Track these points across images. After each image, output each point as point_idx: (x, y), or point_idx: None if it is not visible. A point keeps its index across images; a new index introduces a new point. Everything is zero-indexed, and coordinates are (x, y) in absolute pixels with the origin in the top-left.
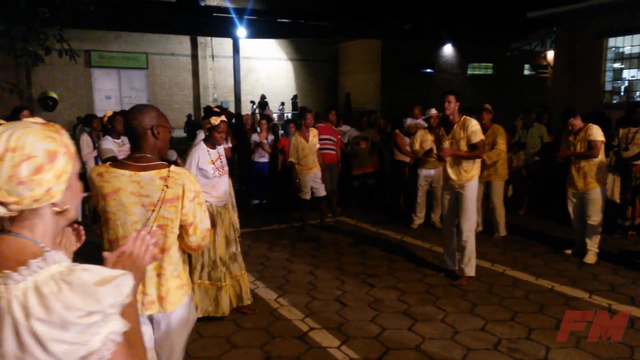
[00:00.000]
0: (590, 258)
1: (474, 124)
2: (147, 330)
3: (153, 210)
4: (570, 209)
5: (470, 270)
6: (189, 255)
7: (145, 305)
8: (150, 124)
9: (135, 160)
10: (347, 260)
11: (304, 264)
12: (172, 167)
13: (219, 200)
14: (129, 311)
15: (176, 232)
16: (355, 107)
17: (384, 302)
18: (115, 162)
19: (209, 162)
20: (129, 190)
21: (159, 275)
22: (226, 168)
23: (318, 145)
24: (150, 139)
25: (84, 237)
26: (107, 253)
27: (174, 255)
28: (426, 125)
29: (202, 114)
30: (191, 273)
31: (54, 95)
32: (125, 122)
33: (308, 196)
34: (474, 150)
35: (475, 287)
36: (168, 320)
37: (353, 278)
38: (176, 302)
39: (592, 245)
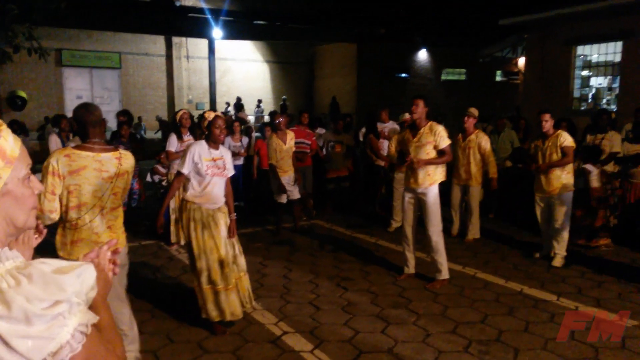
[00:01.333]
0: (558, 261)
1: (441, 129)
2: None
3: (111, 182)
4: (538, 213)
5: (445, 273)
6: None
7: None
8: (102, 117)
9: (93, 144)
10: (321, 263)
11: (277, 267)
12: (121, 150)
13: (211, 202)
14: (101, 306)
15: (122, 196)
16: (324, 112)
17: (357, 306)
18: (77, 146)
19: (205, 158)
20: (92, 167)
21: (109, 227)
22: (227, 172)
23: (294, 149)
24: (103, 128)
25: (45, 231)
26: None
27: (120, 212)
28: (399, 129)
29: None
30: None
31: (22, 94)
32: (87, 115)
33: (284, 199)
34: (443, 155)
35: (447, 290)
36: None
37: (327, 281)
38: (122, 244)
39: (560, 248)
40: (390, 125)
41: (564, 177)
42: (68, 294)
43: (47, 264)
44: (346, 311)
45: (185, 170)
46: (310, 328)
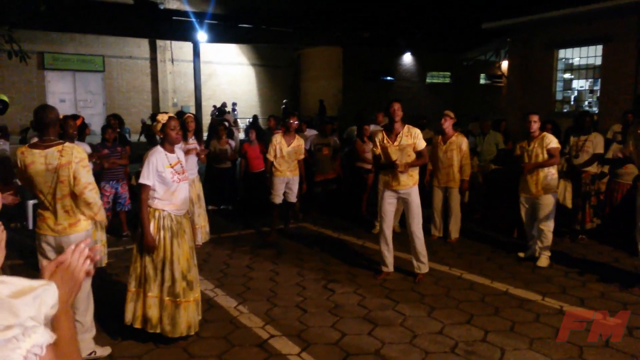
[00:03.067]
0: (543, 261)
1: (419, 132)
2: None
3: (55, 172)
4: (523, 213)
5: (426, 267)
6: (144, 267)
7: (57, 230)
8: (58, 117)
9: (43, 141)
10: (308, 266)
11: (264, 270)
12: (66, 143)
13: (178, 209)
14: (62, 321)
15: (71, 185)
16: (315, 113)
17: (344, 308)
18: (31, 144)
19: (167, 166)
20: (39, 161)
21: (66, 211)
22: (187, 174)
23: (302, 156)
24: (57, 128)
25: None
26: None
27: (72, 198)
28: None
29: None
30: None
31: (4, 98)
32: (43, 116)
33: (278, 200)
34: (421, 157)
35: (433, 291)
36: (71, 240)
37: (314, 284)
38: (81, 229)
39: (544, 249)
40: (375, 127)
41: (549, 178)
42: (21, 319)
43: (6, 284)
44: (333, 313)
45: (149, 182)
46: (297, 331)
